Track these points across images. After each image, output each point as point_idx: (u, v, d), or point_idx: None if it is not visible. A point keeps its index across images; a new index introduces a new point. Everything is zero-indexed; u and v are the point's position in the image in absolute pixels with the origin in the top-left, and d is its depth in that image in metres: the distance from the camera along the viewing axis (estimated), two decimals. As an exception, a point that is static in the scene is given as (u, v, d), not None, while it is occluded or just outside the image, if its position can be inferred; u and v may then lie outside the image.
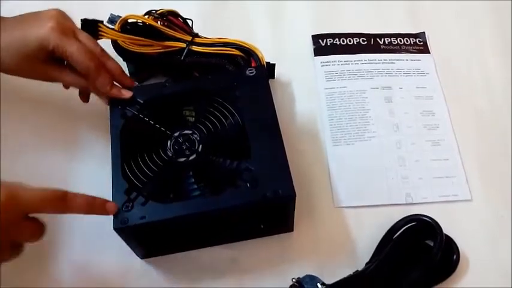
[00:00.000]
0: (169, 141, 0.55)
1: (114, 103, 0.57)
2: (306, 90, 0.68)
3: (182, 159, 0.54)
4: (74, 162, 0.63)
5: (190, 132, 0.56)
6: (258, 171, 0.51)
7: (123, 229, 0.50)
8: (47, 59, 0.56)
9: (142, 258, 0.57)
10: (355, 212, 0.60)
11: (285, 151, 0.53)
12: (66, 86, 0.60)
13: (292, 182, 0.51)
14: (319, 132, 0.65)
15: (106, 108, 0.57)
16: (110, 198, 0.51)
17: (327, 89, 0.68)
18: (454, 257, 0.55)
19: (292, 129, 0.64)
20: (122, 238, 0.51)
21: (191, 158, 0.54)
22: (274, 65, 0.65)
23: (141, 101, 0.57)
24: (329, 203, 0.60)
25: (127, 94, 0.57)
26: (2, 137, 0.63)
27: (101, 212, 0.49)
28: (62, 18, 0.56)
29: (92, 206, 0.49)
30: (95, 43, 0.58)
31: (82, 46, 0.55)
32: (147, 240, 0.54)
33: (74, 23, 0.58)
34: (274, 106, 0.56)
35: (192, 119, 0.57)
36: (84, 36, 0.57)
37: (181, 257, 0.57)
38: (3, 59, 0.55)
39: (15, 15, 0.58)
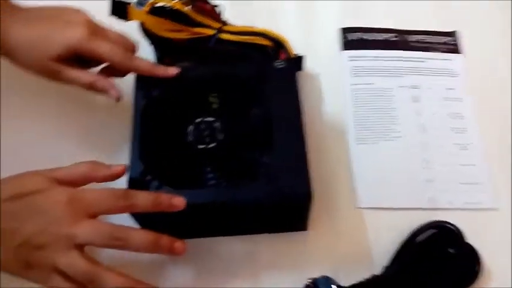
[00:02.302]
0: (190, 127, 0.50)
1: (139, 84, 0.52)
2: (332, 85, 0.62)
3: (201, 147, 0.49)
4: (84, 151, 0.57)
5: (213, 119, 0.50)
6: (277, 167, 0.46)
7: (140, 214, 0.45)
8: (67, 61, 0.50)
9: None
10: (375, 213, 0.54)
11: (306, 148, 0.47)
12: (87, 86, 0.52)
13: (310, 181, 0.45)
14: (343, 129, 0.59)
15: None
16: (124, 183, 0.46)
17: (353, 84, 0.61)
18: (476, 267, 0.49)
19: (316, 125, 0.58)
20: (133, 218, 0.47)
21: (211, 146, 0.49)
22: (302, 57, 0.58)
23: (166, 83, 0.51)
24: (349, 203, 0.54)
25: (173, 71, 0.51)
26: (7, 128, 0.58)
27: (168, 208, 0.43)
28: (92, 24, 0.51)
29: (158, 202, 0.43)
30: (126, 38, 0.53)
31: (113, 44, 0.50)
32: (158, 223, 0.48)
33: (101, 25, 0.53)
34: (300, 101, 0.50)
35: (216, 106, 0.52)
36: (114, 34, 0.52)
37: (194, 244, 0.51)
38: (22, 53, 0.50)
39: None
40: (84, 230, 0.41)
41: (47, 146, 0.57)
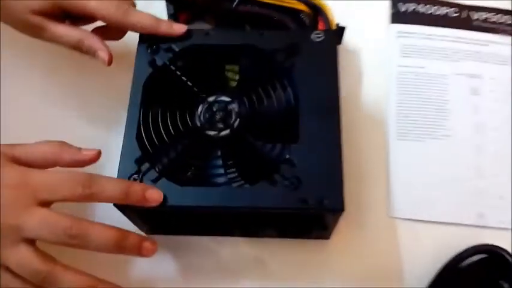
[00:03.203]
0: (200, 106, 0.40)
1: (142, 48, 0.41)
2: (374, 65, 0.51)
3: (212, 133, 0.39)
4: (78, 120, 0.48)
5: (229, 99, 0.40)
6: (303, 168, 0.36)
7: (123, 206, 0.36)
8: (52, 16, 0.41)
9: (147, 233, 0.43)
10: (412, 226, 0.44)
11: (341, 147, 0.38)
12: (73, 45, 0.43)
13: (343, 191, 0.36)
14: (383, 120, 0.48)
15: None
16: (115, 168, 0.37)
17: (400, 66, 0.50)
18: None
19: (350, 111, 0.46)
20: (122, 213, 0.38)
21: (223, 133, 0.39)
22: (344, 28, 0.47)
23: (176, 49, 0.41)
24: (381, 211, 0.45)
25: (180, 28, 0.41)
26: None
27: (139, 202, 0.35)
28: None
29: (127, 193, 0.35)
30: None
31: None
32: (153, 220, 0.41)
33: None
34: (338, 85, 0.40)
35: (235, 84, 0.42)
36: None
37: (195, 243, 0.43)
38: (4, 6, 0.41)
39: None
40: (32, 221, 0.33)
41: (37, 114, 0.49)
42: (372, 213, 0.45)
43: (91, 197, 0.34)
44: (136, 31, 0.42)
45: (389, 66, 0.50)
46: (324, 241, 0.43)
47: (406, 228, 0.44)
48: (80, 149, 0.36)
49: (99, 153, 0.36)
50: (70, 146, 0.37)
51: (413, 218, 0.44)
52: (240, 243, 0.43)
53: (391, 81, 0.49)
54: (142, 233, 0.43)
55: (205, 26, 0.50)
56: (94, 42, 0.42)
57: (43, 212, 0.33)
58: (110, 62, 0.42)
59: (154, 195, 0.35)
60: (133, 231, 0.39)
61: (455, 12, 0.53)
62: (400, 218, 0.45)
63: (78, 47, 0.42)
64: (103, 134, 0.47)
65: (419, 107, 0.48)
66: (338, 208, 0.35)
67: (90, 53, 0.42)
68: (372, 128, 0.48)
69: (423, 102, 0.48)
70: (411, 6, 0.53)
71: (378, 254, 0.43)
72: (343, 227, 0.42)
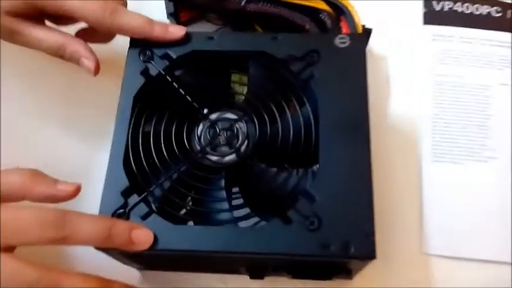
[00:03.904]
0: (201, 125, 0.33)
1: (133, 54, 0.35)
2: (405, 74, 0.43)
3: (214, 158, 0.32)
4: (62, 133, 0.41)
5: (235, 117, 0.33)
6: (324, 204, 0.29)
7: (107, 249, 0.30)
8: (29, 18, 0.35)
9: (139, 270, 0.36)
10: (450, 264, 0.37)
11: (372, 176, 0.31)
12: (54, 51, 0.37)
13: (374, 234, 0.29)
14: (415, 139, 0.41)
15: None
16: (97, 203, 0.30)
17: (436, 75, 0.42)
18: None
19: (377, 129, 0.37)
20: (105, 253, 0.31)
21: (228, 158, 0.32)
22: (370, 31, 0.39)
23: (173, 56, 0.34)
24: (414, 247, 0.37)
25: (178, 32, 0.34)
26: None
27: (124, 245, 0.28)
28: None
29: (109, 235, 0.28)
30: None
31: None
32: (143, 260, 0.34)
33: None
34: (367, 100, 0.33)
35: (242, 98, 0.35)
36: None
37: (196, 281, 0.36)
38: None
39: None
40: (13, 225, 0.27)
41: (12, 125, 0.41)
42: (403, 249, 0.38)
43: (64, 241, 0.27)
44: (125, 34, 0.35)
45: (423, 75, 0.43)
46: (346, 281, 0.37)
47: (443, 267, 0.37)
48: (55, 181, 0.30)
49: (77, 189, 0.30)
50: (44, 177, 0.30)
51: (451, 255, 0.37)
52: (248, 282, 0.37)
53: (425, 92, 0.42)
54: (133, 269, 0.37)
55: (209, 28, 0.43)
56: (77, 48, 0.35)
57: (5, 260, 0.27)
58: (96, 71, 0.36)
59: (142, 237, 0.28)
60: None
61: (498, 12, 0.46)
62: (436, 255, 0.37)
63: (59, 54, 0.36)
64: (87, 151, 0.40)
65: (459, 122, 0.41)
66: (368, 256, 0.28)
67: (73, 60, 0.36)
68: (402, 148, 0.40)
69: (463, 117, 0.41)
70: (447, 5, 0.46)
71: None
72: (368, 266, 0.35)
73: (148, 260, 0.33)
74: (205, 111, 0.34)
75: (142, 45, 0.35)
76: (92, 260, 0.32)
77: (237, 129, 0.33)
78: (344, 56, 0.34)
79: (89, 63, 0.35)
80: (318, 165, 0.31)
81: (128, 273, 0.36)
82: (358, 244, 0.28)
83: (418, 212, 0.38)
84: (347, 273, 0.33)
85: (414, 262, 0.38)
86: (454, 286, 0.37)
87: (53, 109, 0.42)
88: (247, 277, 0.35)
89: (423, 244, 0.38)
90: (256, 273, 0.34)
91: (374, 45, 0.43)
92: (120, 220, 0.29)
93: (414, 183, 0.39)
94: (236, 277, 0.37)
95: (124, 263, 0.34)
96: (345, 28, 0.37)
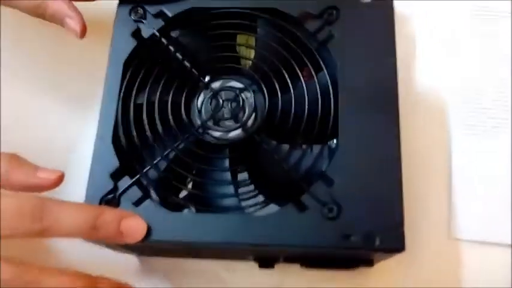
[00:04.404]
0: (202, 95, 0.28)
1: (124, 9, 0.30)
2: (435, 36, 0.37)
3: (217, 134, 0.28)
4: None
5: (241, 86, 0.28)
6: (344, 187, 0.25)
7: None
8: None
9: (138, 255, 0.33)
10: (481, 250, 0.33)
11: (400, 156, 0.26)
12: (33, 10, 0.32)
13: (403, 222, 0.25)
14: (443, 107, 0.36)
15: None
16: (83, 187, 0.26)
17: (471, 37, 0.37)
18: None
19: (401, 100, 0.30)
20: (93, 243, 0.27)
21: (233, 134, 0.28)
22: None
23: (169, 15, 0.30)
24: (441, 231, 0.33)
25: None
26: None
27: (112, 238, 0.25)
28: None
29: (95, 225, 0.24)
30: None
31: None
32: (138, 250, 0.30)
33: None
34: (396, 65, 0.28)
35: (249, 64, 0.30)
36: None
37: (198, 269, 0.33)
38: None
39: None
40: None
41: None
42: (429, 233, 0.33)
43: (43, 233, 0.23)
44: None
45: (461, 34, 0.37)
46: (366, 269, 0.33)
47: (474, 252, 0.33)
48: (36, 168, 0.25)
49: (60, 178, 0.25)
50: (23, 163, 0.25)
51: (482, 239, 0.33)
52: (255, 271, 0.34)
53: (456, 57, 0.37)
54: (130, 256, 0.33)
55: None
56: (59, 6, 0.30)
57: None
58: (82, 33, 0.31)
59: (133, 228, 0.24)
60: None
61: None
62: (466, 240, 0.34)
63: (39, 13, 0.31)
64: (72, 123, 0.35)
65: (492, 91, 0.36)
66: (396, 249, 0.24)
67: (55, 20, 0.31)
68: (428, 117, 0.36)
69: (497, 85, 0.36)
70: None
71: (437, 283, 0.33)
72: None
73: (144, 249, 0.29)
74: (207, 79, 0.29)
75: (133, 1, 0.30)
76: (84, 248, 0.28)
77: (243, 99, 0.28)
78: (368, 13, 0.29)
79: (74, 23, 0.30)
80: (335, 141, 0.27)
81: (125, 260, 0.33)
82: (384, 235, 0.24)
83: (446, 193, 0.34)
84: (367, 263, 0.30)
85: (442, 247, 0.34)
86: (485, 273, 0.33)
87: (35, 76, 0.38)
88: (256, 265, 0.32)
89: (452, 228, 0.34)
90: (266, 262, 0.30)
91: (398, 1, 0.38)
92: (108, 208, 0.25)
93: (442, 158, 0.35)
94: (243, 264, 0.34)
95: (118, 252, 0.31)
96: (368, -19, 0.32)
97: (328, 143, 0.28)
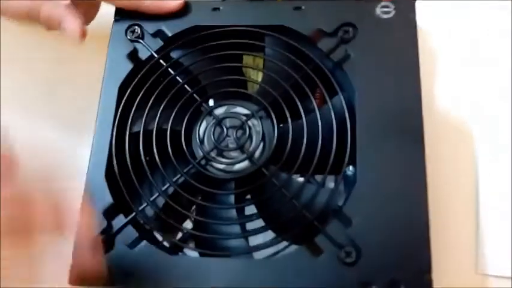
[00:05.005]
0: (204, 123, 0.26)
1: (120, 27, 0.27)
2: (460, 52, 0.34)
3: (221, 166, 0.25)
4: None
5: (248, 112, 0.26)
6: (363, 227, 0.22)
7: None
8: None
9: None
10: (509, 285, 0.31)
11: (427, 190, 0.23)
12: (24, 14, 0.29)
13: (431, 268, 0.22)
14: (471, 132, 0.33)
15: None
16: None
17: (501, 55, 0.34)
18: None
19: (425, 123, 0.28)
20: None
21: (238, 167, 0.25)
22: (417, -3, 0.32)
23: (169, 34, 0.27)
24: (467, 266, 0.30)
25: (175, 2, 0.27)
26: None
27: None
28: None
29: None
30: None
31: None
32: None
33: None
34: (420, 87, 0.25)
35: (257, 87, 0.27)
36: None
37: None
38: None
39: None
40: None
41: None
42: (455, 268, 0.31)
43: None
44: (108, 2, 0.28)
45: (481, 53, 0.34)
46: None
47: (501, 288, 0.31)
48: None
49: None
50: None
51: (509, 275, 0.31)
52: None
53: (482, 76, 0.34)
54: None
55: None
56: (56, 8, 0.27)
57: None
58: (82, 37, 0.27)
59: None
60: None
61: None
62: (493, 276, 0.31)
63: (32, 18, 0.28)
64: (67, 148, 0.33)
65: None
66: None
67: (51, 24, 0.28)
68: (454, 144, 0.33)
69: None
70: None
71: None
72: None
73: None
74: (210, 104, 0.27)
75: (129, 18, 0.28)
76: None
77: (249, 127, 0.25)
78: (389, 30, 0.26)
79: (73, 25, 0.27)
80: (351, 168, 0.24)
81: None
82: (409, 284, 0.21)
83: (473, 225, 0.31)
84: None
85: (468, 283, 0.31)
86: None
87: (28, 96, 0.36)
88: None
89: (479, 262, 0.31)
90: None
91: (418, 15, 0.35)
92: None
93: (468, 187, 0.32)
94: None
95: None
96: (387, -7, 0.29)
97: (345, 170, 0.25)
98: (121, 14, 0.28)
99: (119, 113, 0.25)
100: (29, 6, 0.28)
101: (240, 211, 0.24)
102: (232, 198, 0.24)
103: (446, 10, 0.36)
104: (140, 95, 0.26)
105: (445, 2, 0.36)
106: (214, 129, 0.25)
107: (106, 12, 0.31)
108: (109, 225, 0.24)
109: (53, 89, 0.35)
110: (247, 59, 0.28)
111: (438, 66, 0.34)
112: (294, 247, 0.23)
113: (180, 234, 0.25)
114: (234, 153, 0.25)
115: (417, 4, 0.32)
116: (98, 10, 0.31)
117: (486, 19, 0.35)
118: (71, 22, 0.27)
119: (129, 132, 0.25)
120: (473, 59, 0.34)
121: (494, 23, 0.35)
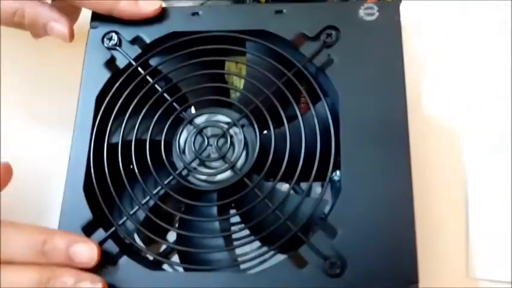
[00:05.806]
0: (184, 132, 0.25)
1: (96, 34, 0.26)
2: (446, 53, 0.34)
3: (203, 177, 0.24)
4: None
5: (229, 120, 0.25)
6: (348, 237, 0.22)
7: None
8: None
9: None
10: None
11: (413, 196, 0.23)
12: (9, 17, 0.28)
13: (418, 281, 0.21)
14: (458, 136, 0.32)
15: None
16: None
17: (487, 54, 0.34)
18: None
19: (411, 127, 0.27)
20: None
21: (221, 177, 0.24)
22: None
23: (147, 41, 0.26)
24: (458, 270, 0.30)
25: (151, 7, 0.26)
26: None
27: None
28: None
29: (42, 253, 0.22)
30: None
31: None
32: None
33: None
34: (405, 91, 0.24)
35: (238, 93, 0.26)
36: None
37: None
38: None
39: None
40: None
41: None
42: (445, 272, 0.31)
43: None
44: (82, 6, 0.27)
45: (469, 55, 0.34)
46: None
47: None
48: None
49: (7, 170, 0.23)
50: None
51: (501, 279, 0.30)
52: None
53: (470, 78, 0.33)
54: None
55: (192, 1, 0.34)
56: (41, 10, 0.27)
57: None
58: (71, 36, 0.27)
59: (83, 253, 0.22)
60: None
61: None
62: (484, 280, 0.30)
63: (17, 22, 0.27)
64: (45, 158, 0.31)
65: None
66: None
67: (37, 26, 0.27)
68: (442, 148, 0.32)
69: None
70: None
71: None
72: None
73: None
74: (191, 112, 0.26)
75: (106, 23, 0.27)
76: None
77: (231, 136, 0.25)
78: (372, 33, 0.25)
79: (61, 26, 0.27)
80: (338, 173, 0.24)
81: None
82: (400, 292, 0.21)
83: (462, 229, 0.30)
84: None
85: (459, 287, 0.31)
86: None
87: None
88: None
89: (469, 267, 0.30)
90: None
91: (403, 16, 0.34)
92: (59, 232, 0.22)
93: (458, 193, 0.31)
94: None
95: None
96: (371, -6, 0.29)
97: (331, 176, 0.25)
98: (97, 20, 0.27)
99: (96, 123, 0.25)
100: (14, 9, 0.27)
101: (224, 224, 0.24)
102: (215, 210, 0.23)
103: (444, 10, 0.36)
104: (118, 104, 0.25)
105: (445, 2, 0.36)
106: (195, 139, 0.25)
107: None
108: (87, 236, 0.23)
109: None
110: (230, 65, 0.27)
111: (435, 67, 0.33)
112: (279, 257, 0.23)
113: (164, 247, 0.25)
114: (216, 163, 0.24)
115: (415, 4, 0.31)
116: (79, 14, 0.30)
117: (486, 19, 0.35)
118: (59, 22, 0.27)
119: (108, 143, 0.24)
120: (471, 60, 0.34)
121: (492, 23, 0.35)
